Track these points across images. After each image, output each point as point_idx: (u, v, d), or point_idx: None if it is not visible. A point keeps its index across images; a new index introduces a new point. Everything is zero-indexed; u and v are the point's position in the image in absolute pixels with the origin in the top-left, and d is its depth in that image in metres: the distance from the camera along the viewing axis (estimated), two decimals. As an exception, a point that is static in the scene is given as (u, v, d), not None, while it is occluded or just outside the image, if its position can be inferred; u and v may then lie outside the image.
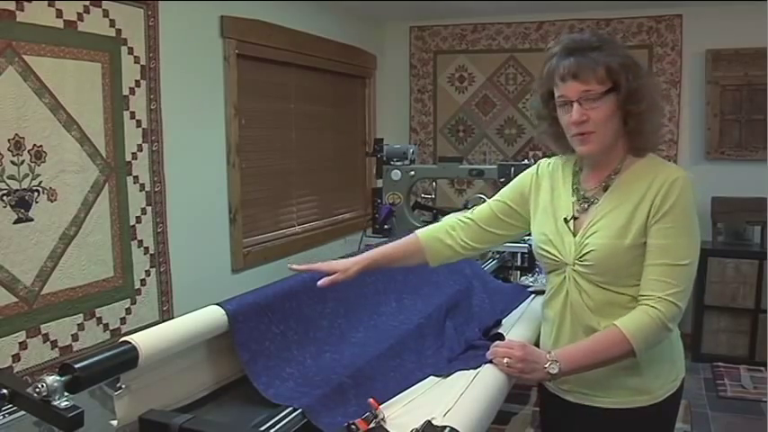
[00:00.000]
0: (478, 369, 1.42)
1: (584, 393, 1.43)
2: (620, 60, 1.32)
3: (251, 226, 3.31)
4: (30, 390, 0.99)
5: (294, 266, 1.47)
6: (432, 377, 1.47)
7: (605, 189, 1.39)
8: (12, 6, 2.01)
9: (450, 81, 4.64)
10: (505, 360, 1.36)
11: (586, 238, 1.36)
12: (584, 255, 1.36)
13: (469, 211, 1.60)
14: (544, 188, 1.50)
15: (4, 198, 2.02)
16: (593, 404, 1.42)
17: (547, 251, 1.43)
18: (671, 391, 1.42)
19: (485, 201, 1.64)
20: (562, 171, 1.49)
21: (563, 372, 1.32)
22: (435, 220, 2.92)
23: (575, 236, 1.39)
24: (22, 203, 2.07)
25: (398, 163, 3.20)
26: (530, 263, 2.55)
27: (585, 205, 1.41)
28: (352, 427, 1.18)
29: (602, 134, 1.33)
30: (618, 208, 1.35)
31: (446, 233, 1.56)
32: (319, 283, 1.43)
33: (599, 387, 1.40)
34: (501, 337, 1.69)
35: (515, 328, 1.79)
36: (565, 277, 1.41)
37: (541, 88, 1.41)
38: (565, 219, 1.41)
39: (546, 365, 1.32)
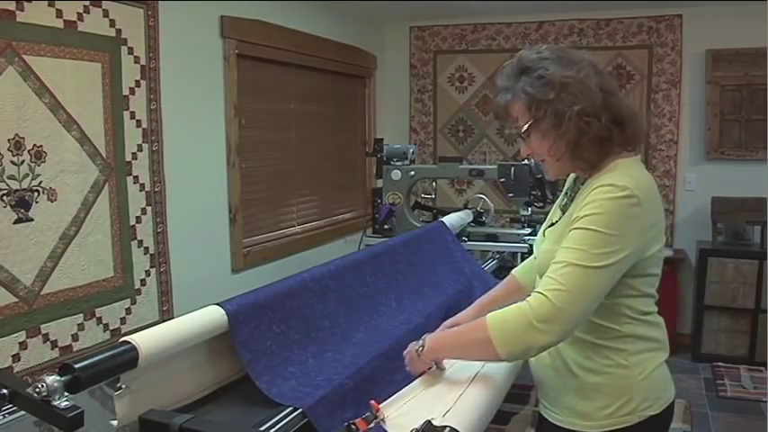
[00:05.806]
0: (479, 369, 1.42)
1: (544, 405, 1.44)
2: (525, 98, 1.27)
3: (251, 226, 3.31)
4: (30, 390, 0.99)
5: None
6: (431, 377, 1.47)
7: (572, 199, 1.41)
8: (12, 6, 2.01)
9: (450, 81, 4.64)
10: (408, 368, 1.41)
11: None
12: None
13: None
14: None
15: (4, 198, 2.02)
16: (548, 417, 1.42)
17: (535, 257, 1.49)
18: (622, 425, 1.30)
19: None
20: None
21: (428, 347, 1.35)
22: (435, 219, 2.92)
23: None
24: (22, 203, 2.07)
25: (398, 163, 3.20)
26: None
27: (561, 214, 1.44)
28: (352, 427, 1.18)
29: (550, 163, 1.35)
30: (566, 215, 1.37)
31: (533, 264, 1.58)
32: None
33: (551, 402, 1.41)
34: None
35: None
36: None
37: None
38: (544, 229, 1.47)
39: (416, 347, 1.36)
